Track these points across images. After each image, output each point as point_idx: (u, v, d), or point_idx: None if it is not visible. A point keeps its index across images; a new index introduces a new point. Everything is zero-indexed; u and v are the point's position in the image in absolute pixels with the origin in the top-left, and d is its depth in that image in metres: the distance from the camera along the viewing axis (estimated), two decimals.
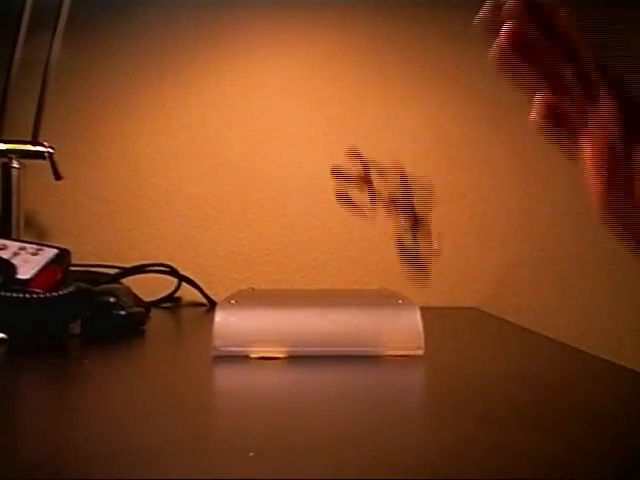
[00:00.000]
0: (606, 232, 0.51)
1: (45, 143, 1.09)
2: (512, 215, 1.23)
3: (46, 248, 0.83)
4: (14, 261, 0.77)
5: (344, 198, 0.56)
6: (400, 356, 0.62)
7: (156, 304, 1.10)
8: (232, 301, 0.67)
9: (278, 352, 0.62)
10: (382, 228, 1.23)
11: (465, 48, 1.23)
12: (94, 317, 0.76)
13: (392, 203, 0.55)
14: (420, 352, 0.63)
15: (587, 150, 0.47)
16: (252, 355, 0.62)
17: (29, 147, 1.08)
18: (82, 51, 1.21)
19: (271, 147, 1.23)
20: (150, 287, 1.09)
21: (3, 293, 0.70)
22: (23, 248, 0.82)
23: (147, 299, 0.96)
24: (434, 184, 1.22)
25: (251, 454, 0.34)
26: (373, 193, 0.57)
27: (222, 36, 1.23)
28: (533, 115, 0.48)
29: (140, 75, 1.23)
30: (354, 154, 0.58)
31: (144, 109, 1.22)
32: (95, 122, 1.22)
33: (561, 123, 0.48)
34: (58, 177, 1.09)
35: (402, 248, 0.56)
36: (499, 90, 1.24)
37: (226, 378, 0.58)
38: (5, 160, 1.08)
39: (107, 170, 1.22)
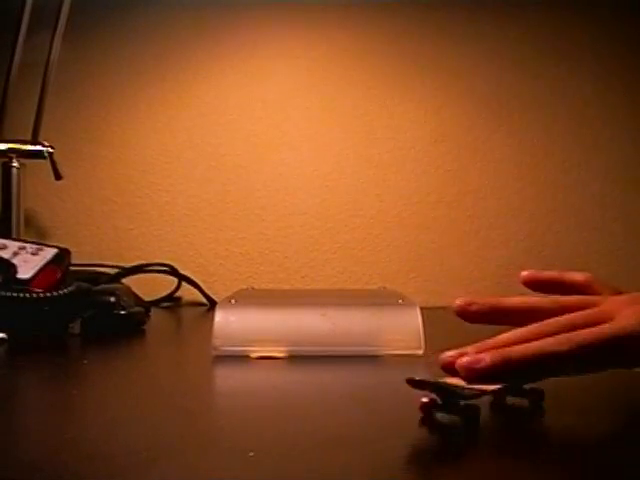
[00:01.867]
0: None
1: (45, 143, 1.09)
2: (512, 215, 1.23)
3: (46, 248, 0.83)
4: (14, 261, 0.77)
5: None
6: (400, 356, 0.62)
7: (156, 304, 1.11)
8: (232, 301, 0.67)
9: (278, 352, 0.62)
10: (382, 228, 1.23)
11: (465, 48, 1.23)
12: (94, 317, 0.76)
13: None
14: (420, 352, 0.63)
15: None
16: (252, 355, 0.62)
17: (29, 147, 1.08)
18: (82, 51, 1.21)
19: (271, 147, 1.23)
20: (150, 287, 1.09)
21: (3, 293, 0.70)
22: (23, 248, 0.82)
23: (147, 299, 0.96)
24: (435, 184, 1.23)
25: (251, 454, 0.34)
26: None
27: (222, 36, 1.23)
28: None
29: (140, 75, 1.23)
30: None
31: (144, 109, 1.22)
32: (95, 122, 1.22)
33: None
34: (58, 177, 1.09)
35: None
36: (499, 90, 1.24)
37: (226, 378, 0.58)
38: (5, 160, 1.08)
39: (107, 170, 1.22)
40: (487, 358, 0.41)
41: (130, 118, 1.22)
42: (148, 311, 0.88)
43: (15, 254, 0.80)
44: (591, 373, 0.43)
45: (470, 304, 0.49)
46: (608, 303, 0.47)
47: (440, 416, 0.39)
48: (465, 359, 0.41)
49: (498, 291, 1.21)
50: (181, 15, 1.23)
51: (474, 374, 0.40)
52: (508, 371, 0.41)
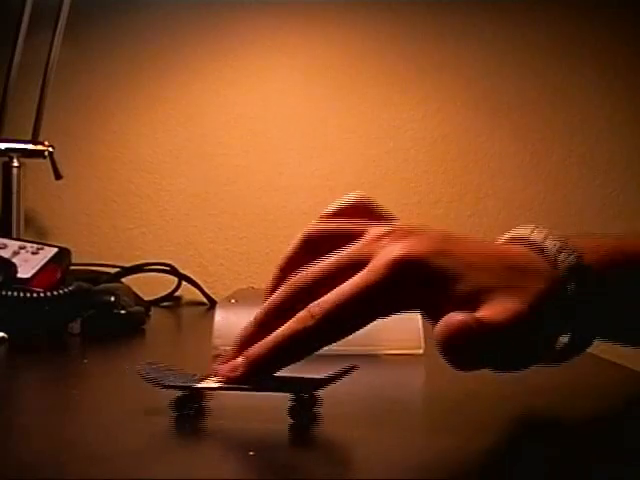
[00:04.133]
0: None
1: (45, 142, 1.09)
2: (512, 215, 1.23)
3: (46, 247, 0.83)
4: (14, 260, 0.77)
5: None
6: (400, 355, 0.62)
7: (156, 303, 1.10)
8: (232, 300, 0.67)
9: None
10: None
11: (465, 47, 1.23)
12: (94, 316, 0.76)
13: None
14: (420, 351, 0.63)
15: None
16: None
17: (29, 146, 1.08)
18: (82, 51, 1.21)
19: (271, 146, 1.23)
20: (150, 286, 1.09)
21: (3, 292, 0.70)
22: (23, 247, 0.82)
23: (147, 298, 0.96)
24: (435, 184, 1.22)
25: (251, 453, 0.34)
26: None
27: (222, 36, 1.23)
28: None
29: (140, 75, 1.22)
30: None
31: (144, 108, 1.22)
32: (95, 121, 1.22)
33: None
34: (58, 176, 1.09)
35: None
36: (499, 89, 1.24)
37: None
38: (5, 159, 1.08)
39: (107, 169, 1.22)
40: (240, 368, 0.41)
41: (130, 118, 1.22)
42: (148, 310, 0.88)
43: (15, 253, 0.80)
44: (355, 331, 0.42)
45: (232, 370, 0.42)
46: (373, 239, 0.42)
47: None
48: (223, 368, 0.42)
49: None
50: (180, 15, 1.23)
51: (233, 382, 0.41)
52: (263, 369, 0.41)
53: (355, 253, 0.42)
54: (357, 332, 0.64)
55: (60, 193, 1.20)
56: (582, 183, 1.23)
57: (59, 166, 1.09)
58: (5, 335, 0.69)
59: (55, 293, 0.72)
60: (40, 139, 1.09)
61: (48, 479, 0.31)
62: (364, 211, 0.49)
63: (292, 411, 0.39)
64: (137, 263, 1.13)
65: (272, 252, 1.22)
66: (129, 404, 0.46)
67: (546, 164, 1.23)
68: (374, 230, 0.43)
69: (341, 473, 0.33)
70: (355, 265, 0.41)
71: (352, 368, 0.42)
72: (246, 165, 1.22)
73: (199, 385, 0.41)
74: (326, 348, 0.63)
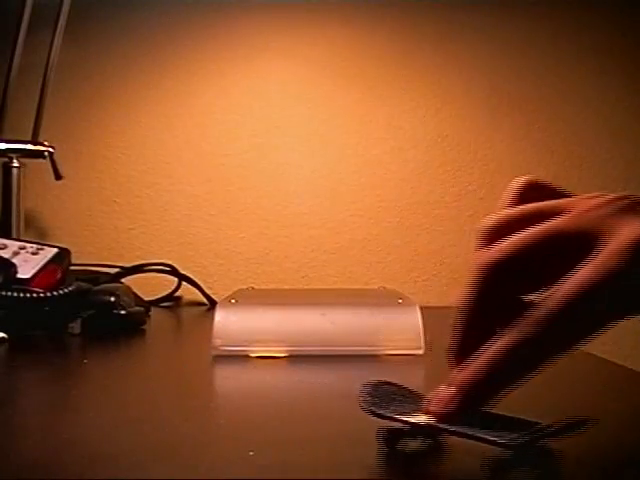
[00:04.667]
0: None
1: (45, 142, 1.08)
2: None
3: (46, 247, 0.83)
4: (14, 260, 0.77)
5: None
6: (400, 355, 0.62)
7: (156, 303, 1.10)
8: (232, 300, 0.67)
9: (278, 351, 0.62)
10: (382, 228, 1.23)
11: (466, 47, 1.23)
12: (94, 316, 0.76)
13: None
14: (420, 351, 0.63)
15: None
16: (252, 354, 0.62)
17: (29, 146, 1.08)
18: (82, 51, 1.21)
19: (271, 147, 1.23)
20: (150, 286, 1.09)
21: (3, 292, 0.70)
22: (23, 247, 0.82)
23: (147, 298, 0.96)
24: (435, 184, 1.22)
25: (251, 453, 0.34)
26: None
27: (223, 36, 1.23)
28: None
29: (141, 75, 1.22)
30: None
31: (144, 109, 1.22)
32: (95, 121, 1.22)
33: None
34: (58, 177, 1.09)
35: None
36: (499, 89, 1.23)
37: (226, 378, 0.58)
38: (5, 159, 1.08)
39: (107, 170, 1.22)
40: (453, 402, 0.33)
41: (130, 118, 1.22)
42: (148, 311, 0.88)
43: (15, 254, 0.80)
44: (592, 334, 0.32)
45: (444, 405, 0.34)
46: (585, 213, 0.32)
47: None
48: (433, 400, 0.35)
49: None
50: (181, 15, 1.23)
51: (448, 419, 0.33)
52: (479, 401, 0.33)
53: (573, 225, 0.32)
54: (357, 332, 0.64)
55: (60, 193, 1.20)
56: (582, 183, 1.23)
57: (59, 166, 1.09)
58: (5, 335, 0.69)
59: (55, 293, 0.72)
60: (40, 139, 1.09)
61: (48, 479, 0.31)
62: (540, 192, 0.37)
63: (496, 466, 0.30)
64: (137, 263, 1.13)
65: (272, 252, 1.22)
66: (129, 404, 0.46)
67: (546, 165, 1.23)
68: (586, 199, 0.33)
69: (341, 472, 0.33)
70: (572, 239, 0.32)
71: (587, 421, 0.32)
72: (246, 165, 1.22)
73: (405, 418, 0.35)
74: (321, 348, 0.63)
